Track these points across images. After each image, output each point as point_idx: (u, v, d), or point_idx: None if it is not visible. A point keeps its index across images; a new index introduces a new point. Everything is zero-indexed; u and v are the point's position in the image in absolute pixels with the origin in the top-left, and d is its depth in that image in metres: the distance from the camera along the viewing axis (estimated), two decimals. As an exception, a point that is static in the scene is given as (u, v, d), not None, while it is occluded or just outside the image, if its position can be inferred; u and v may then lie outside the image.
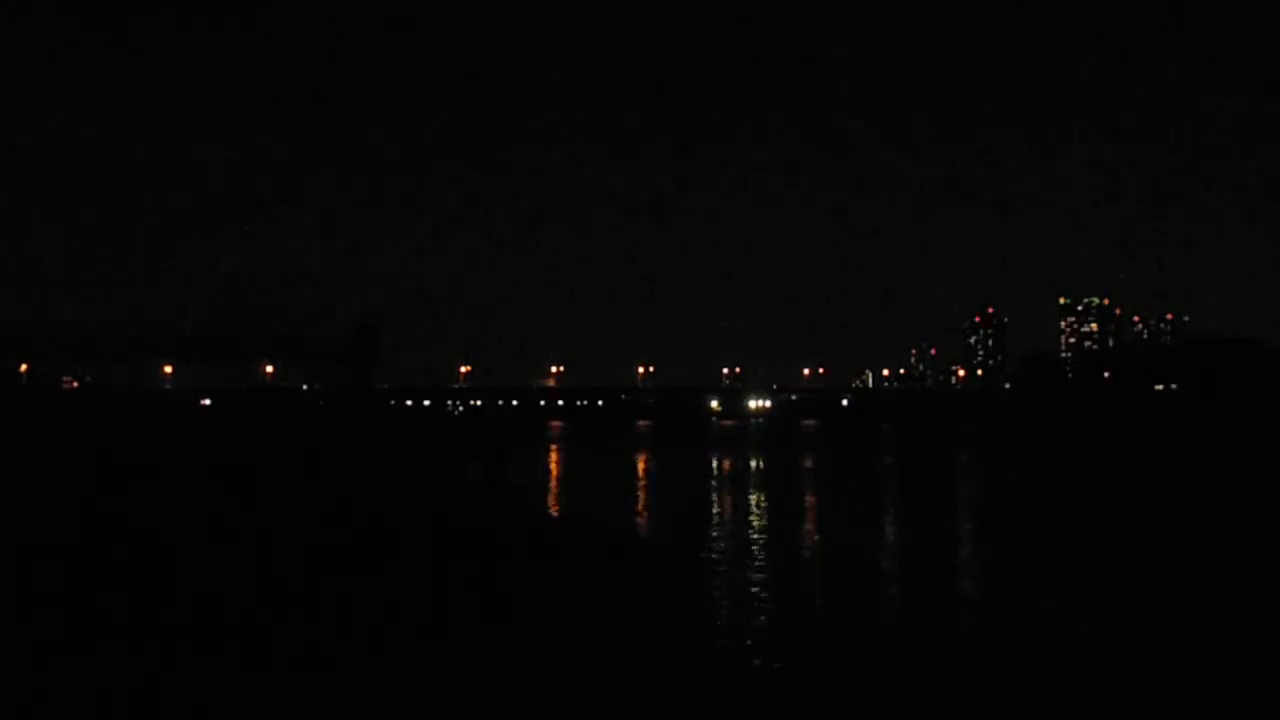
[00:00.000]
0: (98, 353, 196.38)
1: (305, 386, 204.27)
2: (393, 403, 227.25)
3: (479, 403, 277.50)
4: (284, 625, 21.62)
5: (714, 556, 35.29)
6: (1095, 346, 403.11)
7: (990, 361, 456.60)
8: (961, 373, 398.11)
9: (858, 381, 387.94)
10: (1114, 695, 19.51)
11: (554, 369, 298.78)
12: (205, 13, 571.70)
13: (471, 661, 20.87)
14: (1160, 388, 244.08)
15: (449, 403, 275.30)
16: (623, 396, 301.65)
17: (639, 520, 47.65)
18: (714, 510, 51.79)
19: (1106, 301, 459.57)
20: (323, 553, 25.91)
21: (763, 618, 25.68)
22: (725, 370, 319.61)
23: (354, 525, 29.47)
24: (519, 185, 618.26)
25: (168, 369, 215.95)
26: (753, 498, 58.54)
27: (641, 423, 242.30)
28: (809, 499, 58.48)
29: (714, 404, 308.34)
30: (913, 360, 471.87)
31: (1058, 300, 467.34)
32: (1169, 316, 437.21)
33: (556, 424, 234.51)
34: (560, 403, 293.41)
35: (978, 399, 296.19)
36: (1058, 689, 19.89)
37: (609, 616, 25.36)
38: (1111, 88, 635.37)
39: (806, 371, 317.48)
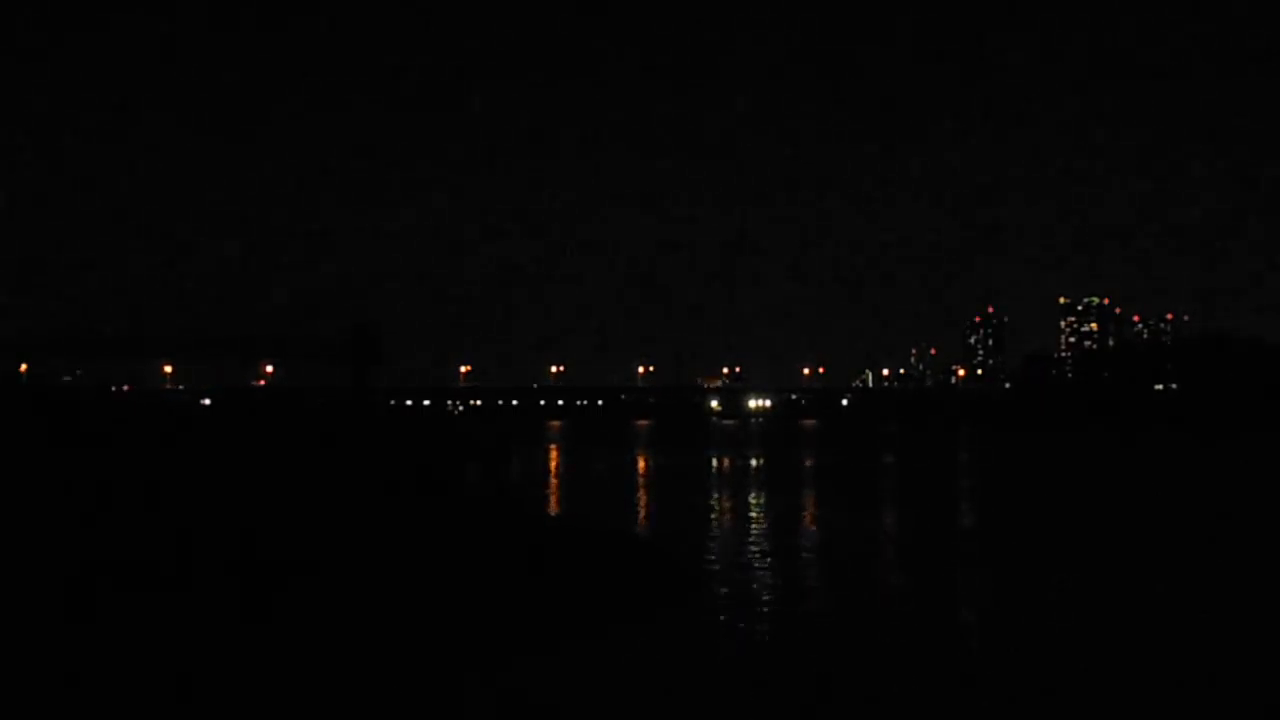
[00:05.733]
0: (98, 353, 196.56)
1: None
2: (392, 403, 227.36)
3: (479, 403, 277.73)
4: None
5: (713, 558, 35.20)
6: (1095, 346, 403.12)
7: (990, 361, 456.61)
8: (961, 373, 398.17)
9: (858, 381, 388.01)
10: (1113, 691, 19.50)
11: (554, 369, 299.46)
12: (204, 11, 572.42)
13: (471, 659, 20.80)
14: (1160, 387, 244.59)
15: (449, 403, 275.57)
16: (623, 396, 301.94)
17: (639, 521, 47.60)
18: (714, 511, 51.69)
19: (1106, 301, 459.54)
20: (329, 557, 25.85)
21: (764, 619, 25.62)
22: (725, 370, 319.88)
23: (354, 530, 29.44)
24: (520, 185, 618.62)
25: (167, 369, 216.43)
26: (753, 498, 58.45)
27: (641, 423, 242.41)
28: (809, 499, 58.39)
29: (714, 404, 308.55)
30: (913, 360, 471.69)
31: (1058, 300, 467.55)
32: (1169, 316, 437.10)
33: (556, 424, 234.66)
34: (560, 403, 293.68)
35: (978, 399, 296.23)
36: (1054, 687, 19.84)
37: (608, 618, 25.26)
38: (1110, 86, 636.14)
39: (806, 371, 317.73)
